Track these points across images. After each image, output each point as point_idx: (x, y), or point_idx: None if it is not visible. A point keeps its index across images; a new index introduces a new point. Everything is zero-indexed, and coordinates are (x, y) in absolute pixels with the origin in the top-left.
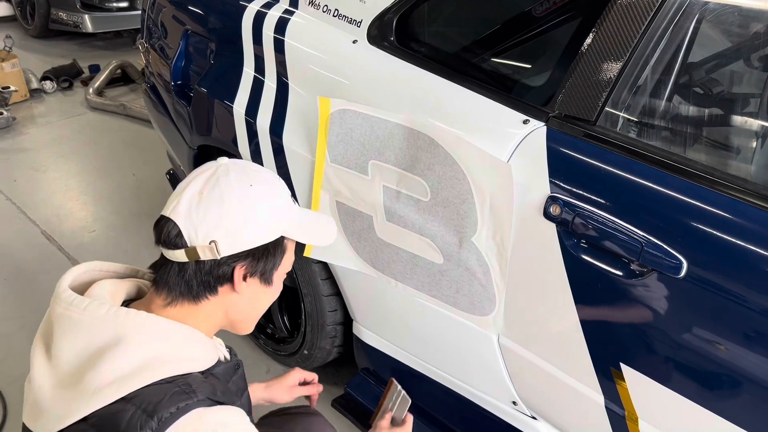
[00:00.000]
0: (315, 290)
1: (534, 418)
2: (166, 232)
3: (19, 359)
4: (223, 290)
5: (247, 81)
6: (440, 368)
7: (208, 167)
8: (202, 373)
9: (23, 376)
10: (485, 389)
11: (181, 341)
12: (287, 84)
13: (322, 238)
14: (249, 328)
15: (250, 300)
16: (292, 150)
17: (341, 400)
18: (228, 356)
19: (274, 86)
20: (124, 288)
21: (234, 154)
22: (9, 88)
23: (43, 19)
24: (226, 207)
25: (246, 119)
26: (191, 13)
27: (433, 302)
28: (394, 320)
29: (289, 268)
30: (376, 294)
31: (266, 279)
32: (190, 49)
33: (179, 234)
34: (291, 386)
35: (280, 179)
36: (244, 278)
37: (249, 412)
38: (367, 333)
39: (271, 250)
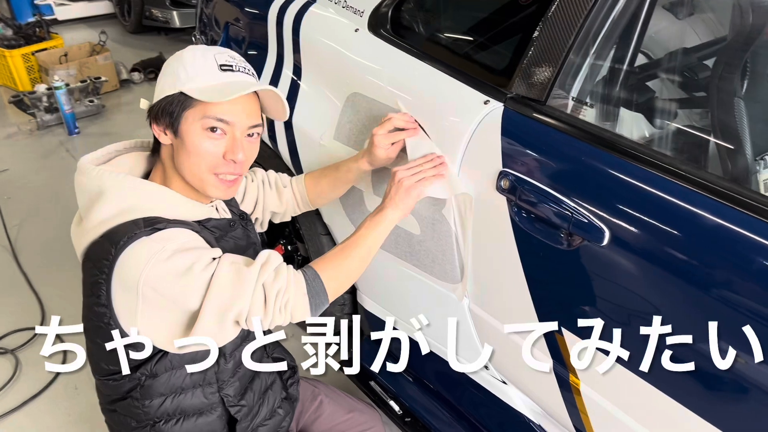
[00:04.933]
0: None
1: (504, 382)
2: None
3: None
4: (163, 143)
5: (270, 67)
6: (427, 334)
7: None
8: (171, 220)
9: None
10: (462, 354)
11: (148, 194)
12: (300, 68)
13: (219, 94)
14: (200, 184)
15: (178, 151)
16: (299, 127)
17: (345, 362)
18: (226, 215)
19: (291, 70)
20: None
21: None
22: (100, 78)
23: (138, 15)
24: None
25: None
26: (231, 5)
27: (416, 271)
28: (388, 289)
29: (212, 124)
30: (373, 264)
31: (174, 131)
32: (231, 40)
33: None
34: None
35: (223, 51)
36: (160, 127)
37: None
38: (368, 301)
39: (171, 101)
